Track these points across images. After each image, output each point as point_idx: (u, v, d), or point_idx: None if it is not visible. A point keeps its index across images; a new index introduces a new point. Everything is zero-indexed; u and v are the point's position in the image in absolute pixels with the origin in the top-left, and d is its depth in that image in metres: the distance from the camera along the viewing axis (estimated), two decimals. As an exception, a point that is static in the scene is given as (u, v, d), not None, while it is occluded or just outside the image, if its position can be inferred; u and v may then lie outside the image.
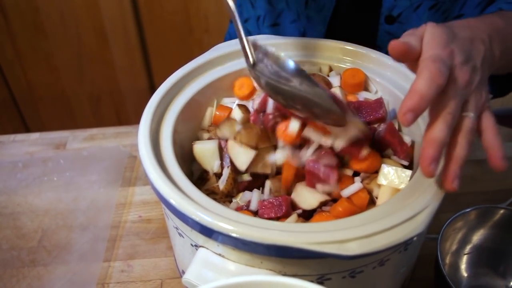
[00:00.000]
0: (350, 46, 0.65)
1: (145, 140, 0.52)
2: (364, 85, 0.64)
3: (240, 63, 0.65)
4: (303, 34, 0.83)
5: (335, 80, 0.64)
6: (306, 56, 0.67)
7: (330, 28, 0.79)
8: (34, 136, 0.93)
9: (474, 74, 0.47)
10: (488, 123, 0.48)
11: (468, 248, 0.63)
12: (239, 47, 0.65)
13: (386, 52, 0.49)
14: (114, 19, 1.68)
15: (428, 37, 0.47)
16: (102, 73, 1.83)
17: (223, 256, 0.46)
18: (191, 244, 0.50)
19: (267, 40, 0.67)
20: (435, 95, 0.43)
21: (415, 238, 0.47)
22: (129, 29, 1.70)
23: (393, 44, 0.45)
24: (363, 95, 0.63)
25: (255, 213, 0.54)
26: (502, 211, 0.60)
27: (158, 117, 0.57)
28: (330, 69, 0.67)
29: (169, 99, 0.59)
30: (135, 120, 0.55)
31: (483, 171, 0.82)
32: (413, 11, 0.73)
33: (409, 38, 0.47)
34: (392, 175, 0.52)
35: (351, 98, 0.63)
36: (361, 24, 0.78)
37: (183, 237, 0.51)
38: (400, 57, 0.47)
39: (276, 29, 0.86)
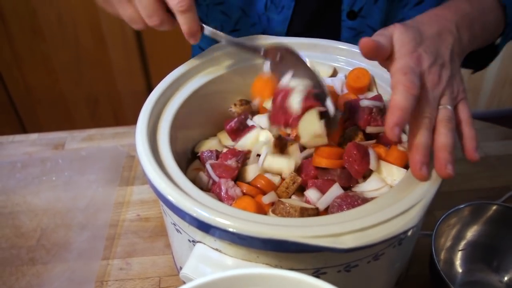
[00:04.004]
0: (344, 46, 0.66)
1: (143, 138, 0.53)
2: (368, 87, 0.64)
3: (237, 63, 0.66)
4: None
5: (337, 84, 0.65)
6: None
7: (291, 27, 0.79)
8: (33, 136, 0.94)
9: (443, 72, 0.50)
10: (463, 115, 0.51)
11: (462, 244, 0.64)
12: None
13: None
14: (112, 21, 1.68)
15: (398, 43, 0.50)
16: (100, 75, 1.83)
17: (220, 251, 0.47)
18: (189, 240, 0.50)
19: (263, 40, 0.68)
20: (413, 105, 0.46)
21: (409, 232, 0.48)
22: (126, 31, 1.71)
23: (364, 42, 0.48)
24: (365, 95, 0.64)
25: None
26: (495, 207, 0.61)
27: (155, 116, 0.57)
28: (335, 71, 0.67)
29: (166, 98, 0.60)
30: (133, 122, 0.56)
31: (477, 169, 0.83)
32: (373, 4, 0.74)
33: (379, 37, 0.49)
34: (387, 172, 0.53)
35: (350, 96, 0.63)
36: (323, 21, 0.78)
37: (180, 233, 0.51)
38: (370, 55, 0.49)
39: (236, 34, 0.85)
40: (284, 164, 0.56)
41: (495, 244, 0.62)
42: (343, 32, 0.78)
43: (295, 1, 0.76)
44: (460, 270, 0.64)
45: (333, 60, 0.67)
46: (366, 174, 0.55)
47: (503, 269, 0.62)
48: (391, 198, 0.46)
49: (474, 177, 0.81)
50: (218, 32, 0.60)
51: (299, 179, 0.54)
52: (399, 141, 0.54)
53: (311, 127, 0.53)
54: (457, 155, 0.48)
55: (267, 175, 0.57)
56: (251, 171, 0.58)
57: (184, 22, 0.57)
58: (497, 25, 0.62)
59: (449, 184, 0.77)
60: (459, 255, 0.64)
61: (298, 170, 0.57)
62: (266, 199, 0.54)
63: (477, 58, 0.70)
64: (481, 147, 0.87)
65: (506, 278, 0.62)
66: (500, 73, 2.10)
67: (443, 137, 0.47)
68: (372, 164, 0.53)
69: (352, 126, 0.58)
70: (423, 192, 0.46)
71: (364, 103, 0.58)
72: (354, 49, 0.65)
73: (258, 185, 0.56)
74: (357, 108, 0.58)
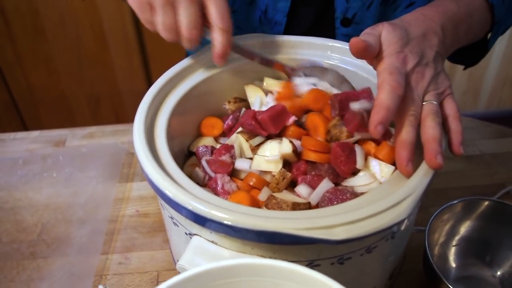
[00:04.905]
0: (338, 44, 0.67)
1: (140, 135, 0.54)
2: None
3: (234, 61, 0.67)
4: None
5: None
6: (293, 54, 0.69)
7: None
8: (34, 134, 0.95)
9: (427, 70, 0.51)
10: (450, 110, 0.52)
11: (456, 240, 0.65)
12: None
13: None
14: (114, 22, 1.70)
15: (385, 43, 0.51)
16: (101, 75, 1.84)
17: (216, 243, 0.48)
18: (186, 233, 0.51)
19: (254, 39, 0.69)
20: (398, 105, 0.48)
21: (401, 225, 0.49)
22: (128, 31, 1.72)
23: (354, 42, 0.50)
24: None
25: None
26: (487, 203, 0.62)
27: (152, 112, 0.59)
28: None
29: (163, 94, 0.61)
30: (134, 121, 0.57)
31: (473, 166, 0.83)
32: (366, 9, 0.75)
33: (368, 37, 0.51)
34: (376, 169, 0.54)
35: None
36: (317, 30, 0.78)
37: (178, 226, 0.52)
38: (360, 54, 0.51)
39: None
40: (271, 167, 0.57)
41: (488, 239, 0.63)
42: (338, 39, 0.78)
43: (287, 17, 0.77)
44: (453, 265, 0.65)
45: (327, 57, 0.68)
46: (356, 171, 0.55)
47: (496, 264, 0.63)
48: (383, 192, 0.47)
49: (469, 174, 0.82)
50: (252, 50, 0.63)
51: (289, 175, 0.55)
52: (389, 138, 0.55)
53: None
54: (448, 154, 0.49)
55: (259, 172, 0.58)
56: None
57: (220, 41, 0.56)
58: (482, 25, 0.63)
59: (444, 181, 0.78)
60: (452, 250, 0.65)
61: (289, 165, 0.58)
62: (263, 196, 0.54)
63: (468, 55, 0.71)
64: (476, 145, 0.87)
65: (499, 273, 0.63)
66: (500, 73, 2.10)
67: (431, 129, 0.48)
68: (359, 163, 0.54)
69: (339, 122, 0.58)
70: (414, 185, 0.47)
71: (354, 106, 0.57)
72: (348, 47, 0.66)
73: (250, 183, 0.56)
74: (348, 105, 0.58)
